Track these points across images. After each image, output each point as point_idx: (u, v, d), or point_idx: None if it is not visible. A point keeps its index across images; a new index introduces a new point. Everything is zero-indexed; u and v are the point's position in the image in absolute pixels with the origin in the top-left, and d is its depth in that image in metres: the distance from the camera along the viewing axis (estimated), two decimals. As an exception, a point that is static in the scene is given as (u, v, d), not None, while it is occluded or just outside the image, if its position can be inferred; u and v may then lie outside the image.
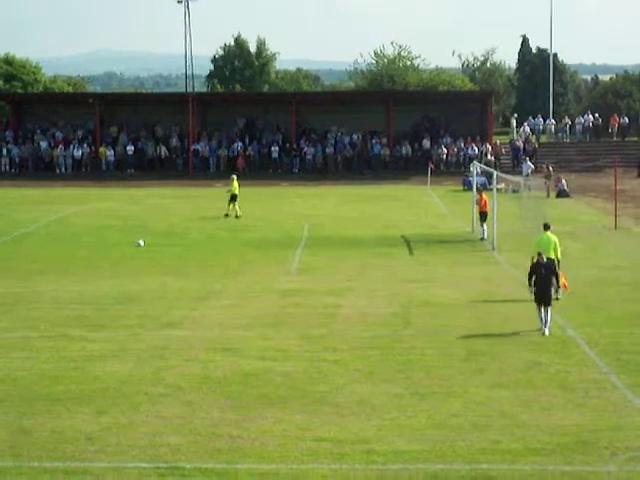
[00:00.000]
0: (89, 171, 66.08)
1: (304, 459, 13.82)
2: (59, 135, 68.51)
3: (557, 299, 24.38)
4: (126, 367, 18.67)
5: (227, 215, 43.46)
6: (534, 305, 21.40)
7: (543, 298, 21.20)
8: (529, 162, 59.21)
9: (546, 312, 21.18)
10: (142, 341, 20.80)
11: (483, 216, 35.85)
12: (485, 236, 35.47)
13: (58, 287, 27.24)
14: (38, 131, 68.97)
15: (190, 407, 16.14)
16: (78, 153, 66.90)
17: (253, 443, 14.44)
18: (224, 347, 20.17)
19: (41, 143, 67.63)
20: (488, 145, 65.85)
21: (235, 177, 44.83)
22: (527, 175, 54.96)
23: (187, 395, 16.82)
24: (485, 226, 35.62)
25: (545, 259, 21.67)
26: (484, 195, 36.16)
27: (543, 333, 20.97)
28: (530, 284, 21.57)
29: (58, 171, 66.40)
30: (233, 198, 43.64)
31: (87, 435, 14.79)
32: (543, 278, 21.31)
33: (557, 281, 21.89)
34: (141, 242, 34.90)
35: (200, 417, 15.61)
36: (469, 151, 65.60)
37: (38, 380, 17.84)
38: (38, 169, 66.49)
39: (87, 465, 13.64)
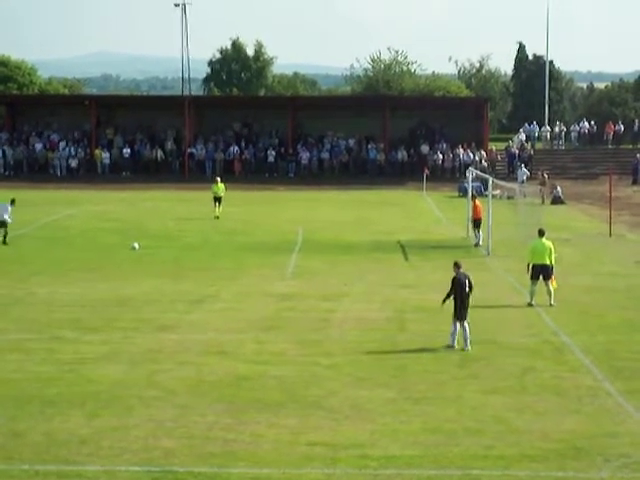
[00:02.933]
0: (84, 173, 66.05)
1: (298, 463, 13.79)
2: (54, 137, 68.46)
3: (551, 305, 24.44)
4: (120, 370, 18.64)
5: (217, 217, 43.79)
6: (451, 320, 20.47)
7: (462, 313, 20.30)
8: (524, 169, 59.30)
9: (463, 328, 20.23)
10: (136, 344, 20.77)
11: (477, 223, 35.87)
12: (480, 242, 35.47)
13: (52, 289, 27.20)
14: (33, 133, 68.94)
15: (184, 410, 16.10)
16: (73, 155, 66.88)
17: (247, 447, 14.42)
18: (218, 351, 20.14)
19: (36, 145, 67.60)
20: (483, 152, 65.95)
21: (219, 179, 46.06)
22: (522, 182, 55.04)
23: (181, 398, 16.79)
24: (480, 232, 35.63)
25: (462, 272, 20.55)
26: (477, 202, 36.18)
27: (449, 347, 20.15)
28: (445, 300, 20.55)
29: (53, 173, 66.36)
30: (218, 200, 44.29)
31: (80, 438, 14.74)
32: (465, 293, 20.37)
33: (467, 294, 20.48)
34: (136, 245, 34.86)
35: (193, 421, 15.58)
36: (464, 157, 65.67)
37: (31, 382, 17.78)
38: (33, 171, 66.47)
39: (80, 468, 13.59)
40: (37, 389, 17.35)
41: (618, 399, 16.79)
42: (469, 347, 20.15)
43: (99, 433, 14.98)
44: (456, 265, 20.80)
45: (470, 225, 36.82)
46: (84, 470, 13.53)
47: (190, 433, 14.99)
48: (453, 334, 20.35)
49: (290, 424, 15.42)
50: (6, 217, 35.72)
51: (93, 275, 29.62)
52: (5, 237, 35.78)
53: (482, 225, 35.35)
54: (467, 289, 20.38)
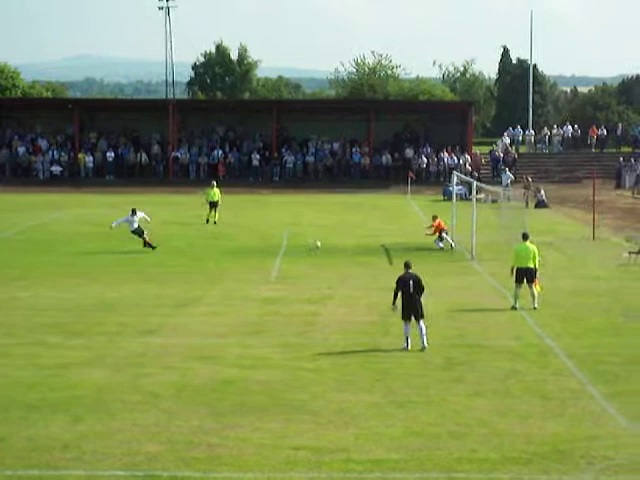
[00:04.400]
0: (68, 177, 65.84)
1: (282, 468, 13.78)
2: (38, 141, 68.22)
3: (535, 309, 24.50)
4: (103, 374, 18.58)
5: (208, 221, 43.59)
6: (429, 320, 20.67)
7: (412, 313, 20.49)
8: (509, 173, 59.41)
9: (419, 327, 20.42)
10: (120, 348, 20.71)
11: (441, 233, 36.22)
12: (453, 244, 35.91)
13: (35, 293, 27.09)
14: (16, 137, 68.65)
15: (167, 415, 16.06)
16: (57, 159, 66.65)
17: (231, 451, 14.39)
18: (202, 355, 20.11)
19: (19, 149, 67.31)
20: (467, 155, 66.07)
21: (215, 184, 44.88)
22: (507, 185, 55.15)
23: (165, 403, 16.75)
24: (447, 236, 36.27)
25: (410, 273, 20.74)
26: (438, 219, 36.57)
27: (405, 348, 20.34)
28: (394, 301, 20.68)
29: (36, 177, 66.12)
30: (213, 205, 43.72)
31: (63, 443, 14.68)
32: (410, 292, 20.52)
33: (422, 293, 20.73)
34: (318, 244, 35.05)
35: (177, 425, 15.54)
36: (449, 161, 65.78)
37: (14, 387, 17.71)
38: (16, 175, 66.19)
39: (63, 473, 13.54)
40: (20, 394, 17.27)
41: (601, 402, 16.84)
42: (426, 345, 20.37)
43: (82, 438, 14.92)
44: (405, 265, 21.14)
45: (438, 237, 36.67)
46: (67, 475, 13.48)
47: (174, 438, 14.95)
48: (405, 335, 20.52)
49: (274, 428, 15.40)
50: None
51: (76, 279, 29.52)
52: None
53: (458, 230, 35.73)
54: (411, 289, 20.51)
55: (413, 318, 20.59)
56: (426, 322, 20.95)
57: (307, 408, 16.45)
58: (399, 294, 20.73)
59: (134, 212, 36.03)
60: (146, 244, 35.35)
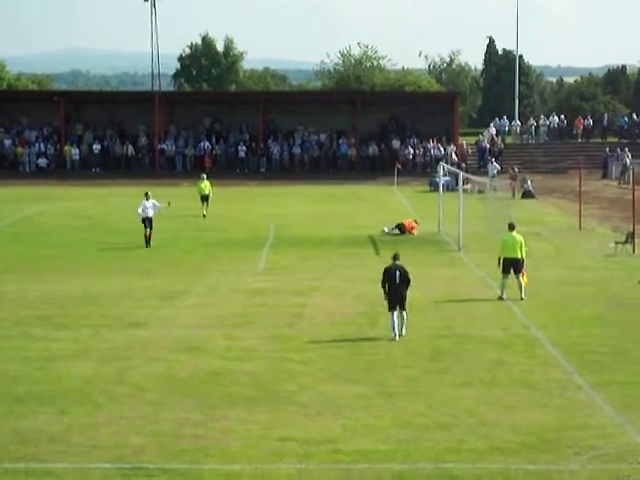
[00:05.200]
0: (54, 170, 65.63)
1: (269, 459, 13.76)
2: (24, 134, 67.95)
3: (522, 299, 24.53)
4: (90, 367, 18.53)
5: (204, 216, 43.06)
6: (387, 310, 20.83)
7: (397, 303, 20.69)
8: (495, 163, 59.45)
9: (401, 316, 20.76)
10: (106, 341, 20.67)
11: (403, 230, 37.86)
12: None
13: (22, 287, 27.01)
14: (2, 129, 68.36)
15: (154, 407, 16.03)
16: (43, 152, 66.43)
17: (218, 443, 14.37)
18: (189, 347, 20.08)
19: (5, 141, 67.05)
20: (453, 146, 66.09)
21: (204, 176, 44.64)
22: (493, 176, 55.20)
23: (151, 395, 16.71)
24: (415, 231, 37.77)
25: (396, 264, 20.98)
26: (410, 220, 38.56)
27: (394, 338, 20.51)
28: (384, 293, 20.87)
29: (22, 169, 65.91)
30: (204, 198, 43.43)
31: (49, 436, 14.65)
32: (396, 283, 20.72)
33: (408, 285, 20.99)
34: (386, 229, 36.38)
35: (164, 417, 15.52)
36: (435, 152, 65.80)
37: (0, 380, 17.64)
38: (2, 168, 65.92)
39: (49, 466, 13.50)
40: (6, 387, 17.22)
41: (588, 392, 16.88)
42: (404, 332, 20.74)
43: (69, 430, 14.89)
44: (393, 257, 21.36)
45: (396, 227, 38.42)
46: (54, 467, 13.44)
47: (161, 430, 14.93)
48: (392, 325, 20.72)
49: (261, 419, 15.39)
50: None
51: (63, 272, 29.45)
52: None
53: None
54: (397, 280, 20.71)
55: (398, 307, 20.75)
56: (410, 313, 20.99)
57: (294, 399, 16.45)
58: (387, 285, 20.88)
59: (147, 196, 35.20)
60: (147, 239, 34.39)
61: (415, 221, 38.72)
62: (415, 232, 37.64)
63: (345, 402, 16.29)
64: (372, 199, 51.63)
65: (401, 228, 37.93)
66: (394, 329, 20.66)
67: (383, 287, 20.91)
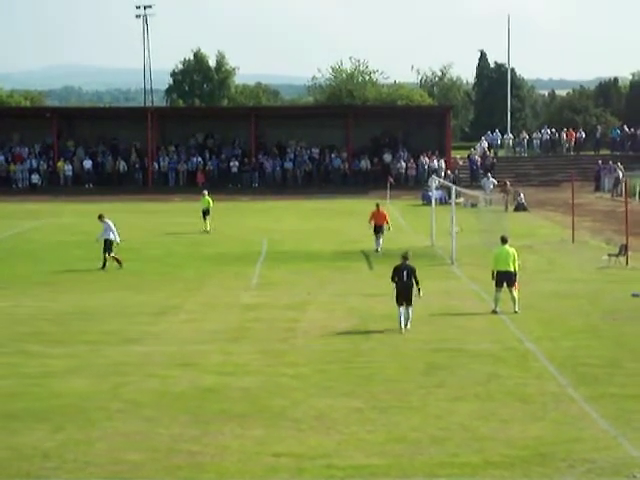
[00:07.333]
0: (47, 186, 65.63)
1: (263, 474, 13.76)
2: (17, 150, 67.97)
3: (516, 312, 24.57)
4: (85, 383, 18.51)
5: (207, 231, 43.16)
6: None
7: (405, 298, 22.42)
8: (492, 178, 59.23)
9: (407, 311, 22.48)
10: (101, 357, 20.65)
11: (378, 229, 36.43)
12: (379, 249, 36.03)
13: (16, 303, 26.98)
14: (-6, 146, 68.42)
15: (149, 423, 16.02)
16: (36, 168, 66.42)
17: (212, 459, 14.36)
18: (183, 362, 20.07)
19: (-2, 158, 67.07)
20: (445, 160, 66.23)
21: (206, 192, 44.95)
22: (490, 191, 55.24)
23: (146, 411, 16.70)
24: (381, 240, 36.28)
25: (406, 264, 22.77)
26: (381, 208, 37.06)
27: (401, 331, 22.24)
28: (393, 281, 22.76)
29: (15, 186, 65.89)
30: (205, 213, 43.72)
31: (44, 452, 14.62)
32: (403, 280, 22.56)
33: (417, 283, 22.76)
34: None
35: (159, 433, 15.50)
36: (428, 166, 65.93)
37: (-5, 397, 17.63)
38: (-6, 184, 65.94)
39: (44, 482, 13.49)
40: (1, 403, 17.18)
41: (582, 405, 16.89)
42: (409, 326, 22.50)
43: (64, 446, 14.86)
44: (403, 257, 23.07)
45: (373, 231, 36.93)
46: (49, 485, 13.42)
47: (155, 445, 14.91)
48: (399, 318, 22.45)
49: (256, 435, 15.39)
50: None
51: (57, 288, 29.43)
52: None
53: (383, 233, 36.37)
54: (405, 278, 22.54)
55: (405, 303, 22.37)
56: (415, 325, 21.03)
57: (288, 414, 16.44)
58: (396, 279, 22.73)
59: (101, 218, 33.89)
60: (104, 263, 32.92)
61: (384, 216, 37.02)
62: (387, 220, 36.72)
63: (339, 417, 16.29)
64: (364, 213, 51.43)
65: (376, 229, 36.66)
66: (401, 323, 22.24)
67: (393, 281, 22.76)
